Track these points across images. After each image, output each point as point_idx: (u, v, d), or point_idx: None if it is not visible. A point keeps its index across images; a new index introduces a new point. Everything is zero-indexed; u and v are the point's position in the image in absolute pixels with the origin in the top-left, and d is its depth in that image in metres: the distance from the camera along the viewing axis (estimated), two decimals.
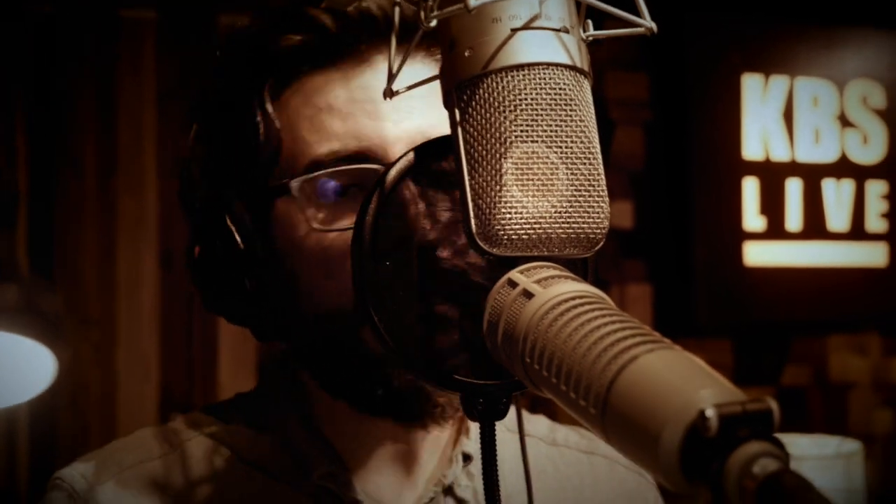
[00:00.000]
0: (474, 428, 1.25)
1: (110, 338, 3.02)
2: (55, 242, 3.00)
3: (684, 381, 0.66)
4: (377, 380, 1.12)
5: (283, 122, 1.16)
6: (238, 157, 1.19)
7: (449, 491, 1.23)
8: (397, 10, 0.94)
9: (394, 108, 1.12)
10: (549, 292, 0.80)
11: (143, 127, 3.07)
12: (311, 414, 1.22)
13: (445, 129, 0.99)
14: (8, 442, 2.93)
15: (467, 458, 1.24)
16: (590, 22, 0.91)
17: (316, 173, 1.13)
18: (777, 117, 3.72)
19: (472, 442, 1.25)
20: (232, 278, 1.15)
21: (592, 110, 0.88)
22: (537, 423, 1.38)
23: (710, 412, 0.62)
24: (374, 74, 1.15)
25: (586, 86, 0.88)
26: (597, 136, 0.87)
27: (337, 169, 1.12)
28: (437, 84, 0.92)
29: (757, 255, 3.66)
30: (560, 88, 0.85)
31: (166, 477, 1.20)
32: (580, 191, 0.85)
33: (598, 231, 0.86)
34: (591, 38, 0.90)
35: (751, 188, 3.67)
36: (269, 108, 1.17)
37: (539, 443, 1.35)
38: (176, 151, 3.05)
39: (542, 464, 1.33)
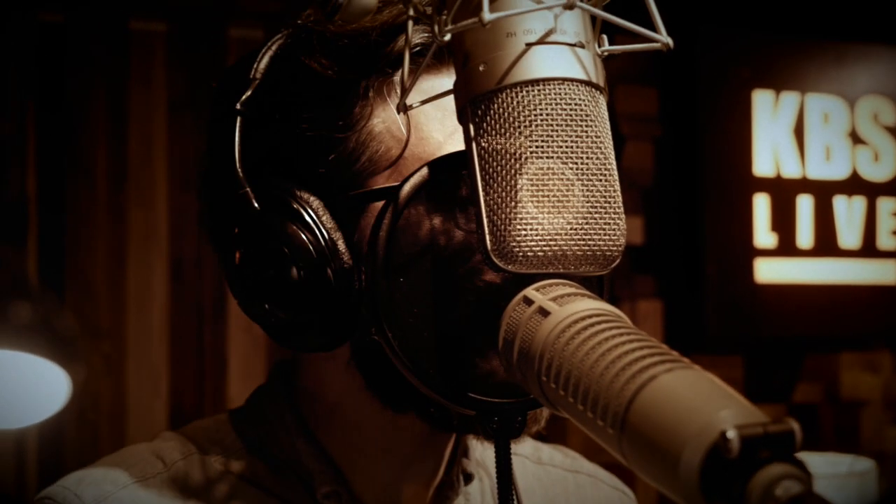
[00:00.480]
0: (471, 448, 1.24)
1: (120, 349, 3.02)
2: (66, 254, 3.00)
3: (704, 402, 0.66)
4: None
5: (404, 121, 1.04)
6: (329, 153, 1.06)
7: None
8: (410, 23, 0.93)
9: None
10: (565, 310, 0.79)
11: (153, 138, 3.07)
12: (310, 430, 1.19)
13: None
14: (17, 455, 2.92)
15: (468, 477, 1.23)
16: (605, 37, 0.90)
17: (406, 201, 0.99)
18: (788, 133, 3.71)
19: (471, 462, 1.24)
20: (304, 290, 1.02)
21: (608, 126, 0.88)
22: (522, 442, 1.36)
23: (731, 433, 0.61)
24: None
25: (602, 101, 0.88)
26: (612, 153, 0.87)
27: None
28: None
29: (768, 271, 3.65)
30: (576, 104, 0.85)
31: (159, 499, 1.16)
32: (596, 207, 0.85)
33: (615, 248, 0.86)
34: (606, 54, 0.90)
35: (762, 204, 3.66)
36: (376, 104, 1.05)
37: (525, 461, 1.35)
38: (187, 162, 3.07)
39: (529, 483, 1.32)
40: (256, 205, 1.03)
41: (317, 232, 1.00)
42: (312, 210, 1.01)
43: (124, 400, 3.01)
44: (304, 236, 1.00)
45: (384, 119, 1.04)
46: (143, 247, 3.04)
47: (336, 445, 1.18)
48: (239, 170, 1.05)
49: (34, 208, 2.97)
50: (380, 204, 1.00)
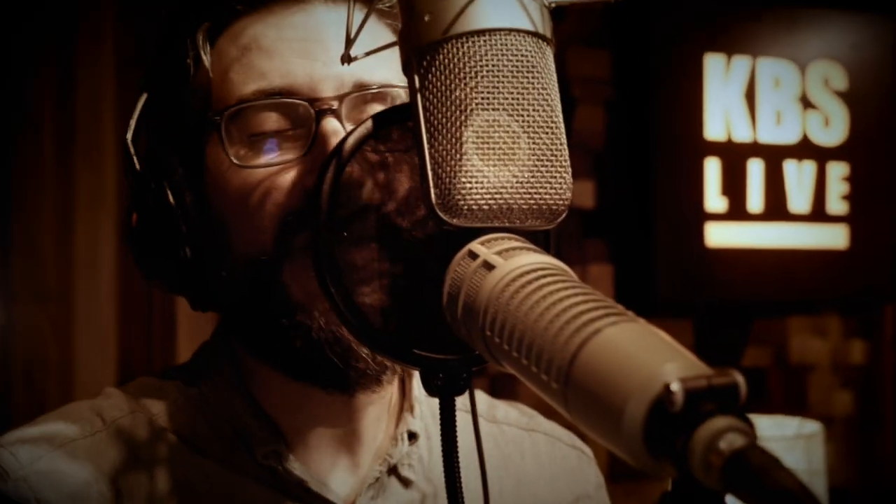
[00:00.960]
0: (417, 405, 1.23)
1: (68, 312, 2.98)
2: (12, 216, 2.95)
3: (648, 355, 0.65)
4: (297, 330, 1.08)
5: (215, 66, 1.14)
6: (171, 106, 1.17)
7: (394, 470, 1.20)
8: None
9: (324, 49, 1.10)
10: (510, 264, 0.78)
11: (102, 98, 3.02)
12: (248, 388, 1.18)
13: (383, 77, 0.96)
14: None
15: (413, 436, 1.22)
16: None
17: (238, 106, 1.10)
18: (739, 98, 3.72)
19: (416, 420, 1.23)
20: (166, 241, 1.12)
21: (555, 78, 0.86)
22: (477, 400, 1.36)
23: (675, 386, 0.60)
24: (309, 15, 1.13)
25: (549, 53, 0.87)
26: (559, 105, 0.86)
27: (260, 102, 1.10)
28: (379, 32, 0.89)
29: (718, 235, 3.66)
30: (522, 55, 0.84)
31: (98, 456, 1.14)
32: (542, 160, 0.83)
33: (561, 202, 0.84)
34: (553, 5, 0.88)
35: (713, 169, 3.66)
36: (202, 52, 1.14)
37: (480, 420, 1.34)
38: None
39: (483, 442, 1.31)
40: (138, 166, 1.14)
41: (167, 184, 1.12)
42: (165, 166, 1.13)
43: (72, 363, 2.98)
44: (158, 189, 1.12)
45: (210, 64, 1.15)
46: (91, 208, 3.00)
47: (270, 405, 1.17)
48: (129, 139, 1.15)
49: None
50: (213, 143, 1.12)
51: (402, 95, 1.11)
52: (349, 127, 1.07)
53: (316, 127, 1.08)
